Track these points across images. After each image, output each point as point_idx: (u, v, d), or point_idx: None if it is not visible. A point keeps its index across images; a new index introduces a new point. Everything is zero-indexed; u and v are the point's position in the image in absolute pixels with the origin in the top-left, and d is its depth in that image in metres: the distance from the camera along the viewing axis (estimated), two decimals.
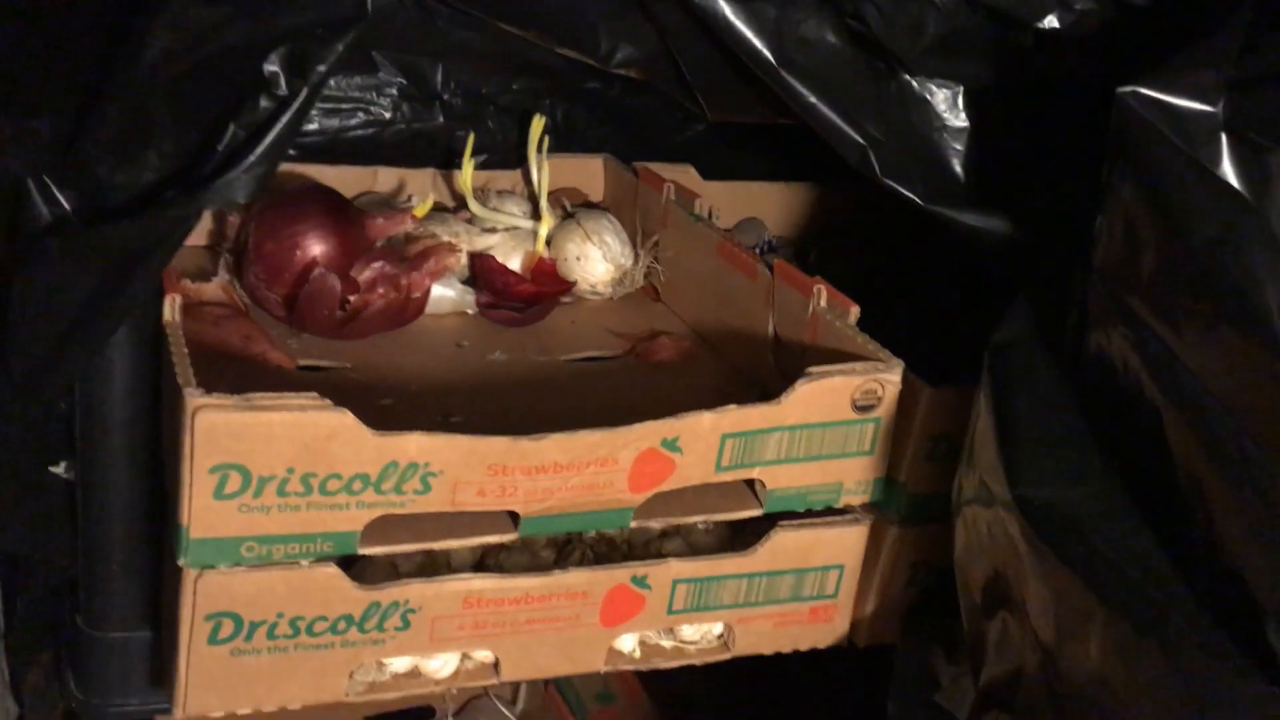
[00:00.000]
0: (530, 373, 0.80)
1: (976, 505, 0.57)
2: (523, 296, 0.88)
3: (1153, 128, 0.47)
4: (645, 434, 0.61)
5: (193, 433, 0.53)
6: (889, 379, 0.65)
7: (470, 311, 0.87)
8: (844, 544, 0.69)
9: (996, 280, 0.75)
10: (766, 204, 1.03)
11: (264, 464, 0.55)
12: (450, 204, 0.94)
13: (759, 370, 0.79)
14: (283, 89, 0.50)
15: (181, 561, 0.56)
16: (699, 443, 0.63)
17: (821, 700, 0.96)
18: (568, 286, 0.89)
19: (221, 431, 0.54)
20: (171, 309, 0.61)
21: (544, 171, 0.91)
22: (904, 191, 0.61)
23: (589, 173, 1.00)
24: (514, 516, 0.62)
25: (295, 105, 0.50)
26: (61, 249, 0.52)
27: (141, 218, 0.51)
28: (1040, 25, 0.58)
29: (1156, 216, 0.47)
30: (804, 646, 0.71)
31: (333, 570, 0.59)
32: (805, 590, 0.69)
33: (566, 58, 0.96)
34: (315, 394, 0.56)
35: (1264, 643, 0.40)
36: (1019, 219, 0.60)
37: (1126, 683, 0.43)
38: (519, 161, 0.97)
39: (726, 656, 0.69)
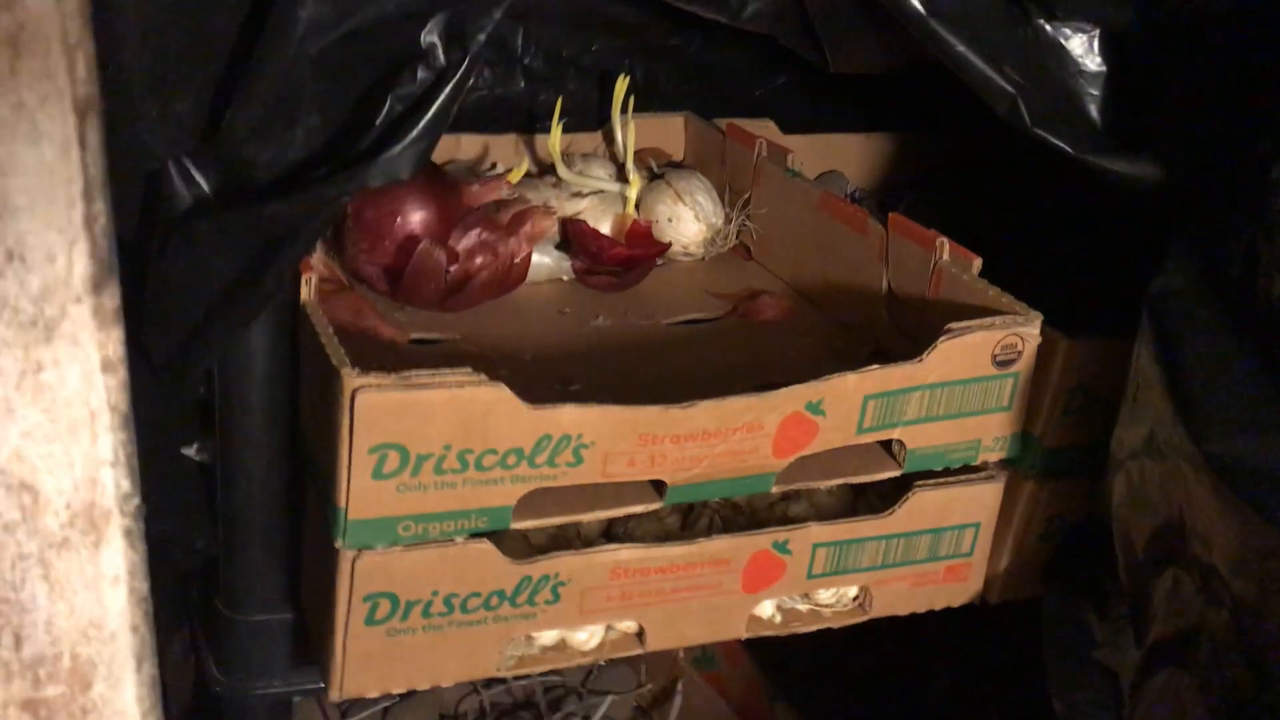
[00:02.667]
0: (636, 337, 0.79)
1: (1144, 458, 0.56)
2: (618, 260, 0.86)
3: None
4: (791, 398, 0.60)
5: (352, 413, 0.53)
6: (1029, 332, 0.64)
7: (566, 278, 0.86)
8: (981, 502, 0.68)
9: (1110, 228, 0.74)
10: (847, 156, 1.01)
11: (422, 442, 0.54)
12: (533, 169, 0.92)
13: (871, 326, 0.77)
14: (441, 59, 0.48)
15: (338, 543, 0.56)
16: (842, 404, 0.62)
17: (922, 663, 0.96)
18: (663, 248, 0.87)
19: (381, 411, 0.53)
20: (308, 288, 0.60)
21: (630, 132, 0.90)
22: (1054, 140, 0.59)
23: (671, 131, 0.98)
24: (658, 486, 0.61)
25: (457, 76, 0.48)
26: (209, 231, 0.51)
27: (293, 196, 0.50)
28: None
29: None
30: (939, 606, 0.70)
31: (486, 546, 0.58)
32: (942, 549, 0.68)
33: (645, 15, 0.94)
34: (469, 369, 0.55)
35: None
36: (1167, 165, 0.59)
37: None
38: (600, 123, 0.96)
39: (864, 618, 0.69)
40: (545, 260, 0.86)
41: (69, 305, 0.29)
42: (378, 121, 0.49)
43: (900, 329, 0.75)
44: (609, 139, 0.95)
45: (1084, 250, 0.79)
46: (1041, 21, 0.61)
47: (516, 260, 0.81)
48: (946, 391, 0.64)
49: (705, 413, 0.58)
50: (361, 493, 0.54)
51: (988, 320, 0.64)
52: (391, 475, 0.55)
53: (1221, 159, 0.55)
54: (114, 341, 0.30)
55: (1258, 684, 0.48)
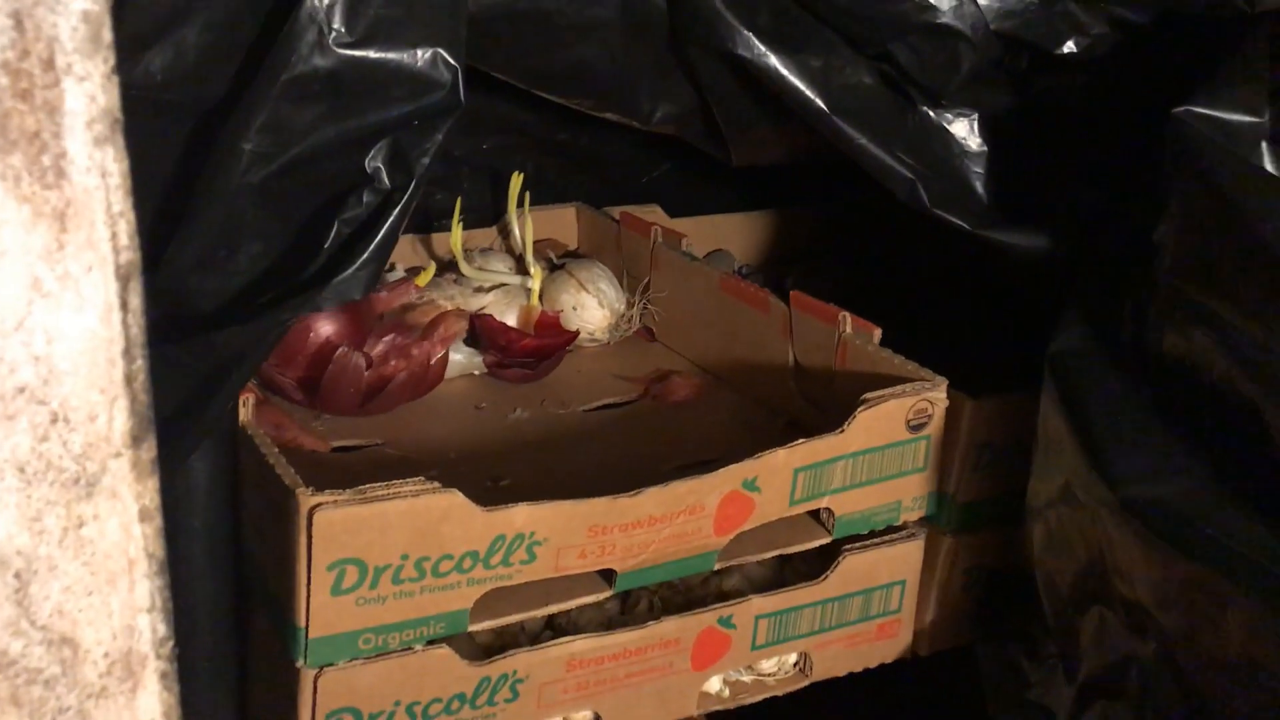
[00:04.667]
0: (556, 427, 0.81)
1: (1061, 506, 0.60)
2: (529, 351, 0.88)
3: (1209, 140, 0.51)
4: (729, 478, 0.63)
5: (310, 532, 0.53)
6: (937, 396, 0.69)
7: (478, 373, 0.88)
8: (905, 560, 0.71)
9: (999, 291, 0.79)
10: (730, 235, 1.06)
11: (380, 554, 0.55)
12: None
13: (781, 400, 0.81)
14: (385, 183, 0.50)
15: (299, 662, 0.56)
16: (775, 479, 0.65)
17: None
18: (572, 337, 0.90)
19: (338, 528, 0.54)
20: (246, 410, 0.60)
21: (527, 226, 0.92)
22: (952, 219, 0.64)
23: (564, 222, 1.01)
24: (607, 575, 0.63)
25: (404, 199, 0.50)
26: (154, 362, 0.51)
27: (244, 322, 0.50)
28: (1058, 51, 0.62)
29: (1229, 221, 0.51)
30: (874, 663, 0.73)
31: (446, 651, 0.59)
32: (873, 609, 0.71)
33: (534, 112, 0.97)
34: (422, 479, 0.56)
35: None
36: (1054, 235, 0.64)
37: (1275, 666, 0.47)
38: (494, 219, 0.98)
39: (805, 683, 0.71)
40: (457, 357, 0.87)
41: (109, 460, 0.29)
42: (326, 246, 0.50)
43: (810, 401, 0.79)
44: (505, 233, 0.98)
45: (972, 313, 0.85)
46: (926, 109, 0.66)
47: (433, 362, 0.83)
48: (868, 458, 0.68)
49: (651, 499, 0.60)
50: (321, 610, 0.55)
51: (899, 388, 0.68)
52: (351, 590, 0.55)
53: (1106, 226, 0.60)
54: (150, 491, 0.31)
55: (1190, 709, 0.52)
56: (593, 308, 0.92)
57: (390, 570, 0.56)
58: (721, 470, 0.63)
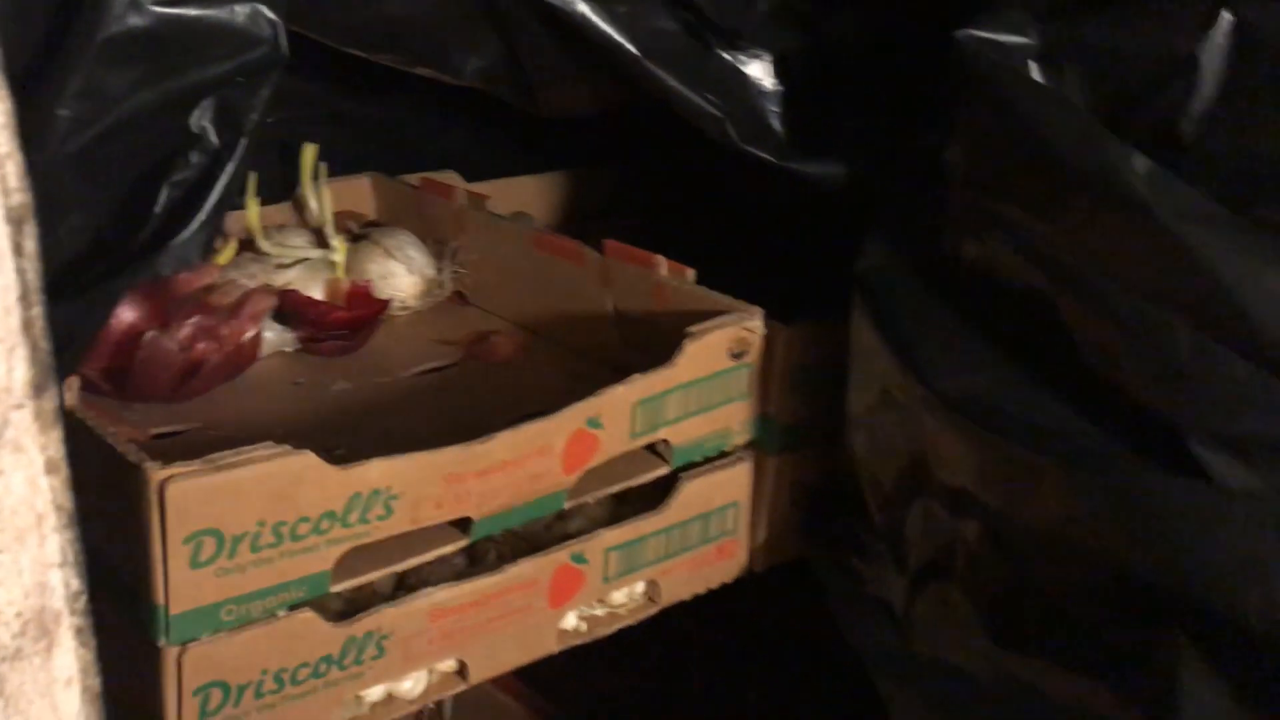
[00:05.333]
0: (382, 395, 0.81)
1: (880, 413, 0.65)
2: (341, 324, 0.88)
3: (989, 60, 0.56)
4: (573, 416, 0.65)
5: (162, 506, 0.52)
6: (754, 325, 0.72)
7: (289, 349, 0.87)
8: (736, 482, 0.75)
9: (797, 226, 0.84)
10: (529, 197, 1.07)
11: (236, 523, 0.55)
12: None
13: (603, 349, 0.83)
14: (214, 142, 0.49)
15: (161, 642, 0.55)
16: (616, 415, 0.67)
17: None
18: (384, 306, 0.90)
19: (192, 499, 0.53)
20: (71, 394, 0.58)
21: (326, 198, 0.91)
22: (761, 154, 0.67)
23: (359, 193, 1.00)
24: (462, 524, 0.64)
25: (235, 156, 0.49)
26: None
27: (75, 297, 0.49)
28: None
29: (1011, 131, 0.56)
30: (716, 584, 0.77)
31: (309, 615, 0.58)
32: (711, 532, 0.75)
33: (318, 83, 0.96)
34: (272, 443, 0.56)
35: (1190, 458, 0.50)
36: (851, 164, 0.69)
37: (1089, 522, 0.53)
38: (284, 194, 0.97)
39: (656, 610, 0.74)
40: (268, 335, 0.86)
41: (11, 413, 0.29)
42: (155, 211, 0.49)
43: (632, 346, 0.81)
44: (300, 208, 0.96)
45: (782, 248, 0.89)
46: (723, 51, 0.69)
47: (244, 341, 0.81)
48: (697, 389, 0.71)
49: (502, 444, 0.62)
50: (180, 585, 0.54)
51: (719, 320, 0.71)
52: (209, 561, 0.54)
53: (900, 151, 0.65)
54: (55, 442, 0.30)
55: (1014, 576, 0.58)
56: (402, 275, 0.92)
57: (248, 538, 0.55)
58: (566, 410, 0.64)
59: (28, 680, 0.30)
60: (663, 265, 0.78)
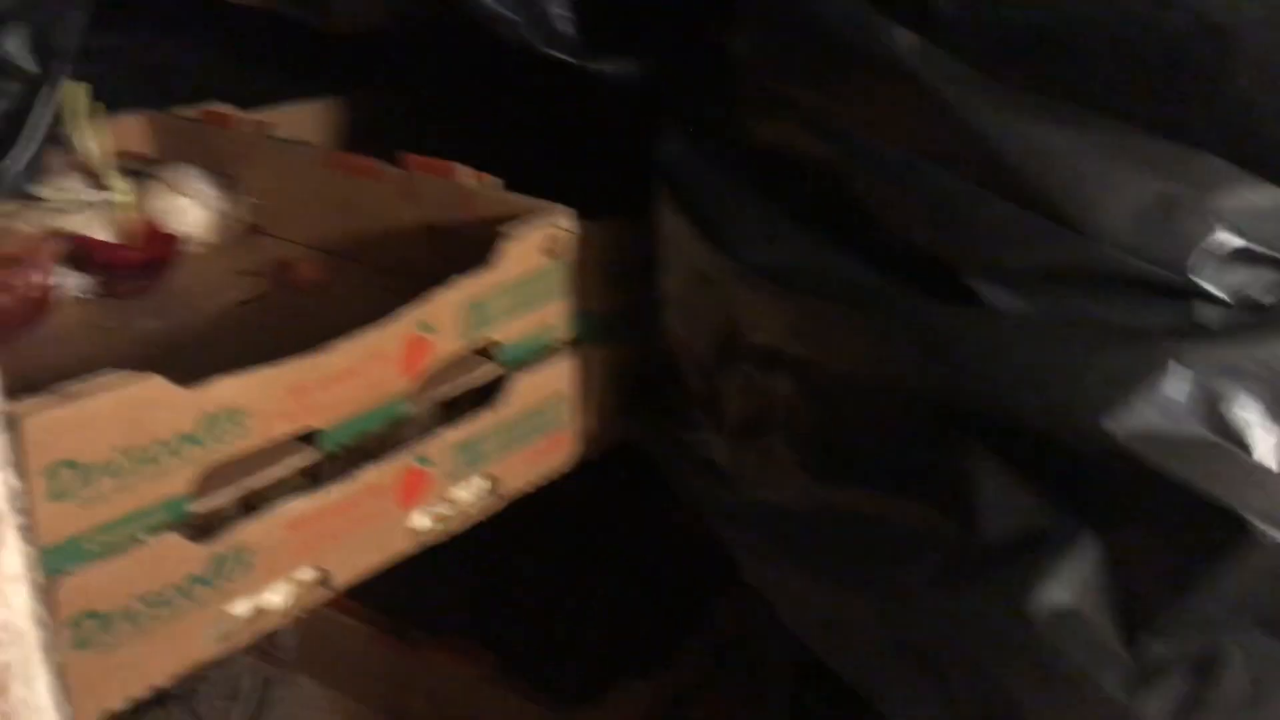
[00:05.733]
0: (193, 330, 0.81)
1: (691, 292, 0.70)
2: (136, 265, 0.86)
3: None
4: (407, 322, 0.67)
5: (22, 440, 0.52)
6: (565, 224, 0.76)
7: (84, 295, 0.85)
8: (562, 376, 0.79)
9: (599, 127, 0.88)
10: (303, 124, 1.06)
11: (93, 452, 0.55)
12: None
13: (413, 264, 0.85)
14: (29, 67, 0.48)
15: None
16: (446, 318, 0.70)
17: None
18: (178, 242, 0.89)
19: (47, 432, 0.53)
20: None
21: (103, 136, 0.89)
22: (561, 55, 0.71)
23: (131, 132, 0.98)
24: (310, 438, 0.66)
25: (53, 79, 0.48)
26: None
27: None
28: None
29: (791, 18, 0.61)
30: (552, 475, 0.81)
31: (173, 537, 0.59)
32: (544, 425, 0.79)
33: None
34: (120, 369, 0.56)
35: (968, 291, 0.58)
36: (643, 60, 0.73)
37: (888, 359, 0.59)
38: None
39: (501, 504, 0.78)
40: (62, 282, 0.83)
41: None
42: None
43: (442, 258, 0.84)
44: (70, 150, 0.93)
45: (579, 151, 0.92)
46: None
47: (37, 288, 0.79)
48: (519, 288, 0.74)
49: (343, 353, 0.64)
50: (45, 520, 0.54)
51: (531, 220, 0.75)
52: (70, 493, 0.54)
53: (690, 46, 0.69)
54: None
55: (826, 419, 0.64)
56: (193, 210, 0.91)
57: (106, 466, 0.55)
58: (399, 315, 0.67)
59: None
60: (466, 174, 0.80)
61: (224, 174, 0.93)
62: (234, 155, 0.92)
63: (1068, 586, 0.53)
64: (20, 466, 0.52)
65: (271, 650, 1.05)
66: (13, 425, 0.51)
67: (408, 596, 0.95)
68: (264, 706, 0.99)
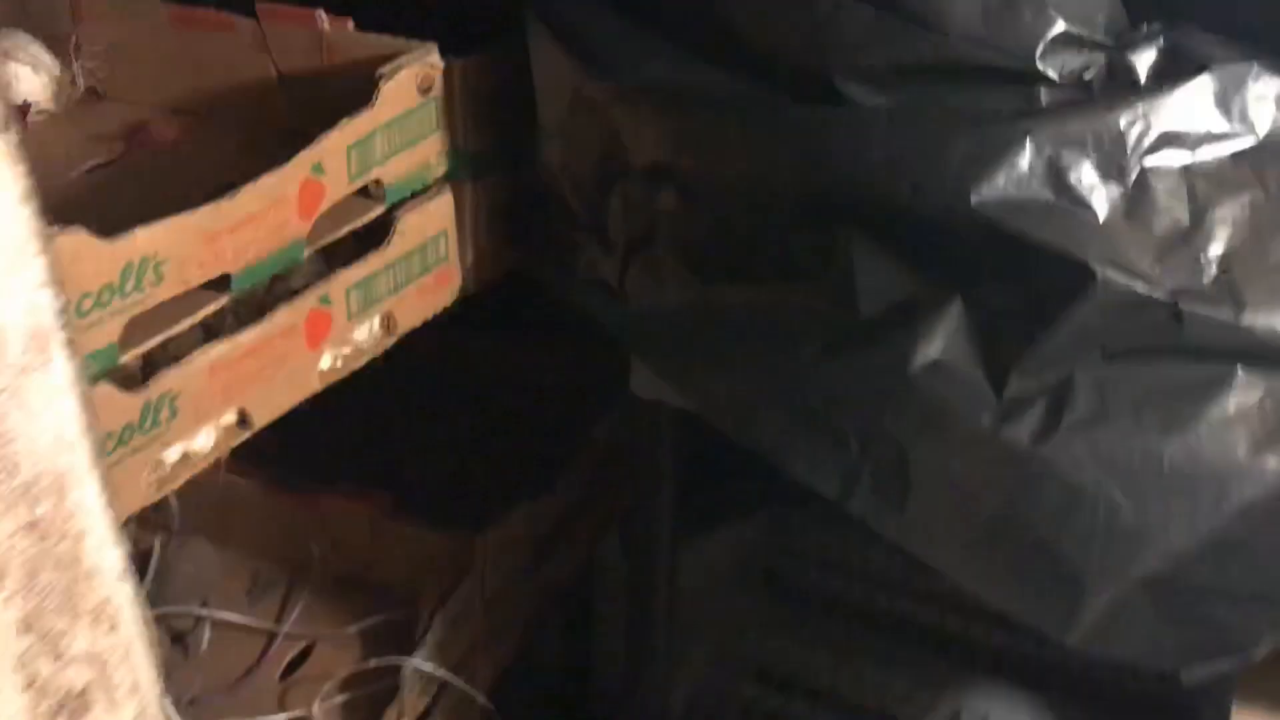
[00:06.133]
0: (56, 199, 0.79)
1: (574, 117, 0.74)
2: None
3: None
4: (301, 164, 0.69)
5: None
6: (433, 60, 0.78)
7: None
8: (441, 212, 0.82)
9: None
10: None
11: None
12: None
13: (274, 117, 0.86)
14: None
15: None
16: (335, 160, 0.72)
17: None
18: (22, 111, 0.86)
19: None
20: None
21: None
22: None
23: None
24: (218, 283, 0.67)
25: None
26: None
27: None
28: None
29: None
30: (440, 309, 0.85)
31: (106, 387, 0.61)
32: (429, 261, 0.82)
33: None
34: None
35: (837, 92, 0.63)
36: None
37: (767, 161, 0.65)
38: None
39: (395, 339, 0.81)
40: None
41: None
42: None
43: (302, 107, 0.84)
44: None
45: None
46: None
47: None
48: (397, 127, 0.76)
49: (248, 197, 0.65)
50: None
51: (403, 59, 0.76)
52: None
53: None
54: (23, 176, 0.32)
55: (713, 223, 0.70)
56: (29, 77, 0.88)
57: None
58: (294, 159, 0.68)
59: (36, 391, 0.34)
60: (323, 19, 0.81)
61: (56, 36, 0.90)
62: (61, 16, 0.89)
63: (940, 343, 0.61)
64: None
65: (155, 517, 1.06)
66: None
67: (297, 450, 0.97)
68: (163, 571, 1.01)
